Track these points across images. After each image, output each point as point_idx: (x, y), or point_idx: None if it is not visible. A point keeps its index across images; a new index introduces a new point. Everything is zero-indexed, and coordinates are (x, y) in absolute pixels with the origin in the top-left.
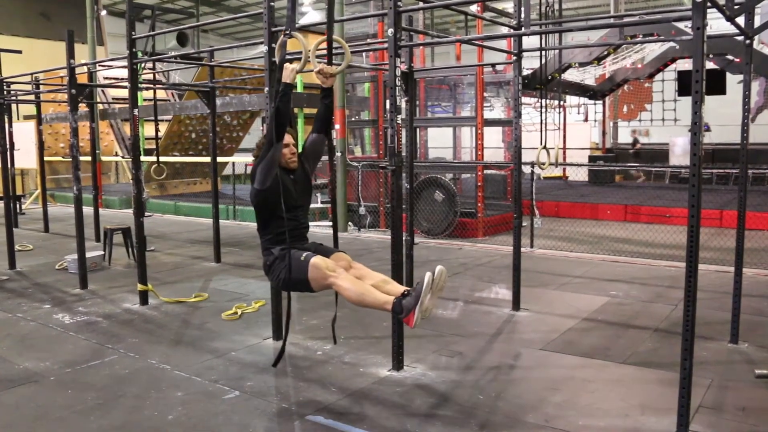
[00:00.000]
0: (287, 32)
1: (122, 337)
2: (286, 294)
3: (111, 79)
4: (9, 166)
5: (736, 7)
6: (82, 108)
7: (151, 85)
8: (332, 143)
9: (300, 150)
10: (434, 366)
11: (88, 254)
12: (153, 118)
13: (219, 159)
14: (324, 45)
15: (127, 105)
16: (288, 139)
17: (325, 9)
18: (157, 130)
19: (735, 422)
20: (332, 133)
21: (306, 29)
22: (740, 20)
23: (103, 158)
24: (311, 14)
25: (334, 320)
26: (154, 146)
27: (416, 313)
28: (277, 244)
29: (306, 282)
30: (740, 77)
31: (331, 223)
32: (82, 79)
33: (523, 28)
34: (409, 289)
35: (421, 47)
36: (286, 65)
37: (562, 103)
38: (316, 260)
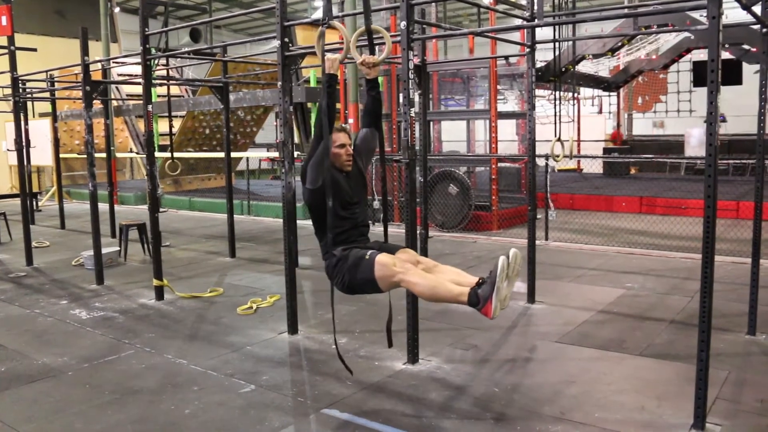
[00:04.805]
0: (325, 22)
1: (138, 332)
2: (330, 295)
3: (125, 75)
4: (25, 163)
5: None
6: (97, 105)
7: (165, 81)
8: (383, 136)
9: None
10: (449, 359)
11: (104, 250)
12: (167, 114)
13: (233, 154)
14: (364, 36)
15: (141, 101)
16: (343, 139)
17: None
18: (171, 126)
19: (753, 414)
20: (382, 125)
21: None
22: (757, 9)
23: (118, 155)
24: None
25: (389, 322)
26: (168, 142)
27: (493, 302)
28: (338, 245)
29: (373, 281)
30: (757, 67)
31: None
32: (97, 76)
33: (536, 20)
34: (483, 277)
35: (433, 40)
36: (328, 56)
37: (576, 95)
38: (382, 257)
